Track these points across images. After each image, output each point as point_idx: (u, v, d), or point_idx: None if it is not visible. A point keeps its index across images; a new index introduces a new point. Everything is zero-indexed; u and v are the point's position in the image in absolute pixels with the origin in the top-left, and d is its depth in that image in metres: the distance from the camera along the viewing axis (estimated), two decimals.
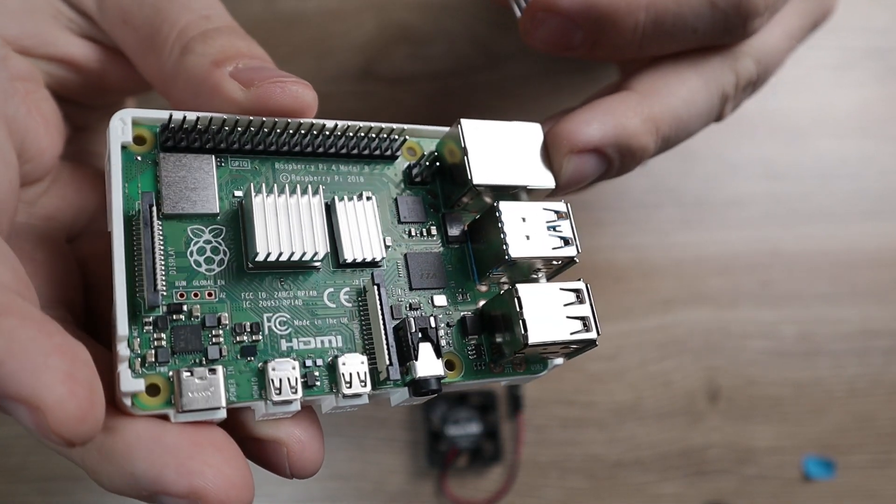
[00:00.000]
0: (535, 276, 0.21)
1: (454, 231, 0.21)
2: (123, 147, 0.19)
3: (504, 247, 0.19)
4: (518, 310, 0.19)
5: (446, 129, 0.22)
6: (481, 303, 0.21)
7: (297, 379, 0.18)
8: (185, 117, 0.19)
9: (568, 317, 0.19)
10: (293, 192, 0.19)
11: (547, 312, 0.19)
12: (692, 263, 0.40)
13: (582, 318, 0.19)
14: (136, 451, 0.16)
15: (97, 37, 0.22)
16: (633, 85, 0.23)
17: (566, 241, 0.20)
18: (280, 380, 0.18)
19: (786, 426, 0.39)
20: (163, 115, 0.19)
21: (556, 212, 0.20)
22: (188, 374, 0.17)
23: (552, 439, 0.38)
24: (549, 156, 0.22)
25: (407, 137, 0.22)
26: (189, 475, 0.16)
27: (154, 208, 0.18)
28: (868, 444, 0.39)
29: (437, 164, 0.22)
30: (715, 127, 0.40)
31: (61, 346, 0.15)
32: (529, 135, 0.22)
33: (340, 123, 0.20)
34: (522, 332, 0.19)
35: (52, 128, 0.22)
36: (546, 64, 0.40)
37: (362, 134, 0.21)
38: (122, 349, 0.17)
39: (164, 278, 0.18)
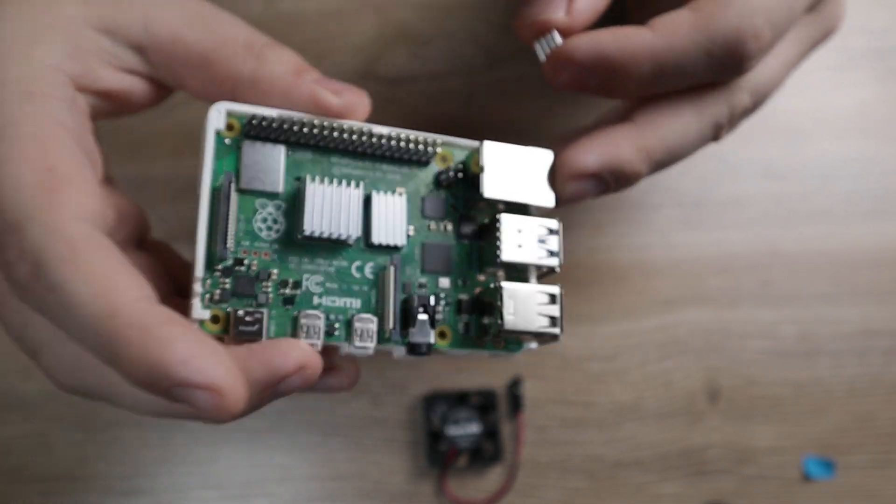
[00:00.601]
0: (526, 276, 0.26)
1: (466, 230, 0.26)
2: (217, 132, 0.24)
3: (498, 251, 0.24)
4: (500, 302, 0.24)
5: (476, 143, 0.26)
6: (478, 290, 0.26)
7: (320, 328, 0.23)
8: (264, 115, 0.24)
9: (540, 314, 0.24)
10: (340, 182, 0.24)
11: (524, 307, 0.24)
12: (692, 264, 0.40)
13: (552, 317, 0.24)
14: (252, 362, 0.21)
15: (133, 68, 0.25)
16: (634, 116, 0.26)
17: (552, 253, 0.25)
18: (308, 327, 0.23)
19: (786, 426, 0.39)
20: (250, 110, 0.24)
21: (549, 229, 0.25)
22: (241, 312, 0.23)
23: (552, 439, 0.38)
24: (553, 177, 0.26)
25: (439, 150, 0.26)
26: (292, 353, 0.21)
27: (232, 183, 0.23)
28: (868, 444, 0.39)
29: (462, 173, 0.26)
30: None
31: (215, 345, 0.19)
32: (542, 159, 0.26)
33: (387, 130, 0.25)
34: (500, 319, 0.24)
35: (100, 158, 0.25)
36: None
37: (404, 140, 0.25)
38: (197, 287, 0.23)
39: (233, 238, 0.23)
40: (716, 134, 0.27)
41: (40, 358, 0.22)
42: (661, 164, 0.26)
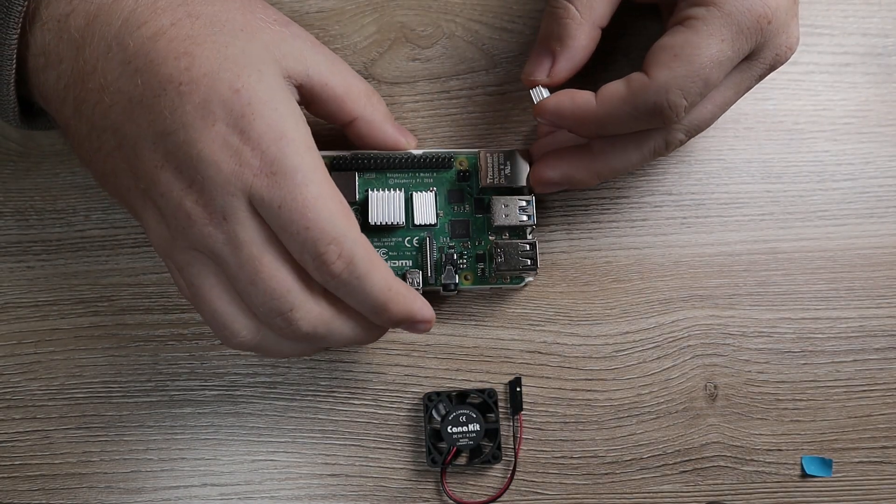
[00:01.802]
0: (524, 234, 0.37)
1: (478, 208, 0.38)
2: None
3: (492, 220, 0.37)
4: (498, 252, 0.36)
5: (477, 150, 0.38)
6: (489, 247, 0.37)
7: None
8: (343, 155, 0.36)
9: (521, 258, 0.36)
10: (391, 189, 0.37)
11: (512, 254, 0.36)
12: (691, 264, 0.40)
13: (531, 259, 0.36)
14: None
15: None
16: (591, 144, 0.35)
17: (529, 216, 0.37)
18: None
19: (784, 425, 0.39)
20: (333, 153, 0.36)
21: (526, 201, 0.37)
22: None
23: (552, 438, 0.38)
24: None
25: (456, 159, 0.38)
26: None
27: None
28: (865, 442, 0.39)
29: (469, 171, 0.38)
30: (713, 128, 0.40)
31: (424, 299, 0.33)
32: (521, 157, 0.37)
33: (421, 152, 0.37)
34: (493, 264, 0.37)
35: None
36: None
37: (432, 157, 0.37)
38: None
39: None
40: (656, 157, 0.35)
41: (293, 313, 0.29)
42: (608, 179, 0.37)
